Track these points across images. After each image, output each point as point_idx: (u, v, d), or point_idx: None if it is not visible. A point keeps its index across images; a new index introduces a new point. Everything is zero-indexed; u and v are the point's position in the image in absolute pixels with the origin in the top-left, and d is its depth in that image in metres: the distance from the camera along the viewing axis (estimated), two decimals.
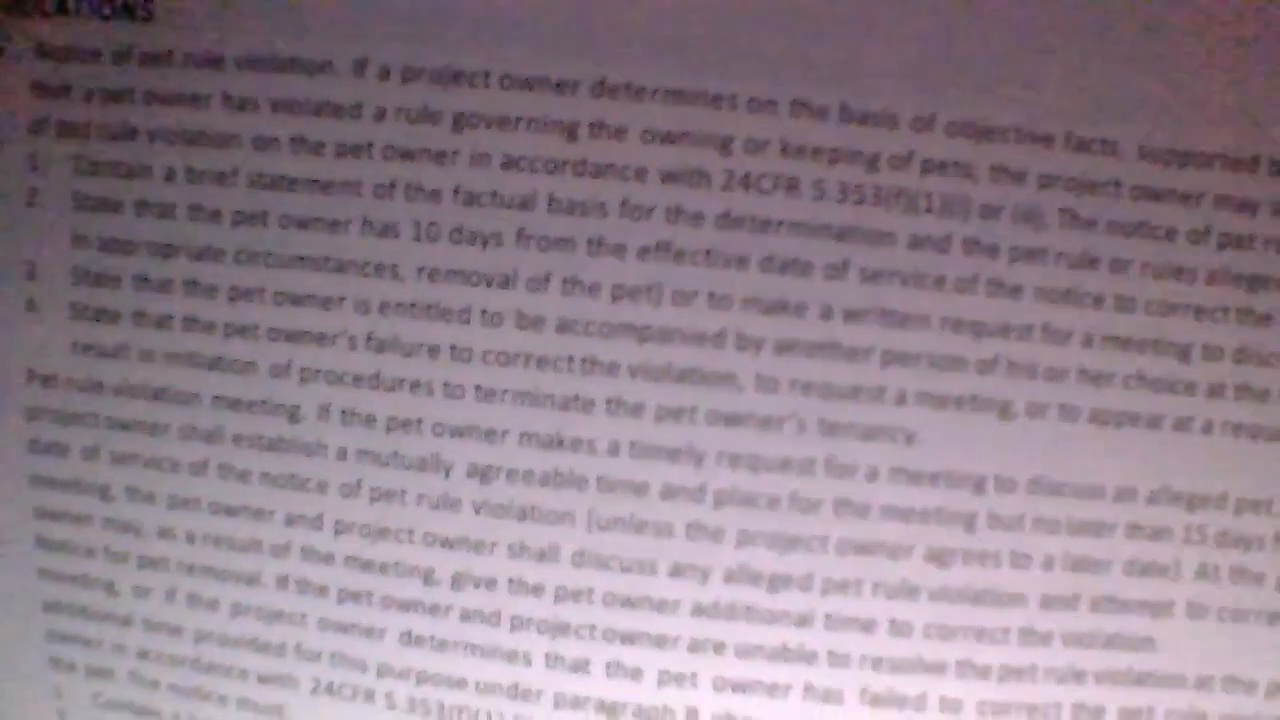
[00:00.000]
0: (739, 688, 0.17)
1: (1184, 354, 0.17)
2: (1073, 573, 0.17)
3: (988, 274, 0.17)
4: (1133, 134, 0.17)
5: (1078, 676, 0.17)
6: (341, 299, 0.17)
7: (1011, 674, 0.17)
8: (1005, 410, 0.17)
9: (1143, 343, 0.17)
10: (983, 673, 0.17)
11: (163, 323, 0.17)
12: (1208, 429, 0.17)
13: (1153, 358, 0.17)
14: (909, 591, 0.17)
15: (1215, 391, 0.17)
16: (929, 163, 0.16)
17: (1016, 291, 0.17)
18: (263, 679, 0.18)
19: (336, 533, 0.17)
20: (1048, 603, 0.17)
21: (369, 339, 0.17)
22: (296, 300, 0.17)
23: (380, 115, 0.16)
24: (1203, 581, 0.17)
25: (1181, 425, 0.17)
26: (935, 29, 0.16)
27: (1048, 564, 0.17)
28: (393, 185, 0.16)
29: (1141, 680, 0.17)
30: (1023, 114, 0.16)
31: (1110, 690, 0.17)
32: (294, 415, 0.17)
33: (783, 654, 0.17)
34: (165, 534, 0.18)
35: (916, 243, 0.16)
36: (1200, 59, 0.17)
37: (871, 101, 0.16)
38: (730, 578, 0.17)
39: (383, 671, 0.18)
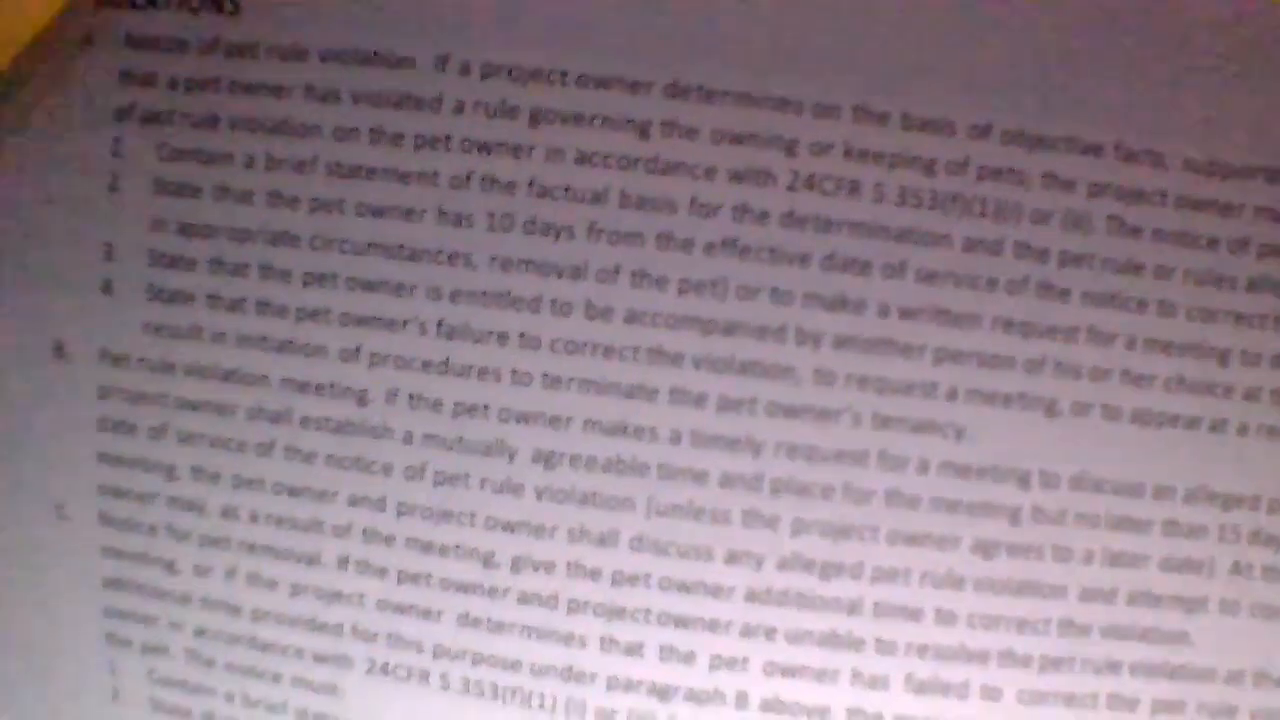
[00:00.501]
0: (788, 672, 0.17)
1: (1223, 358, 0.18)
2: (1111, 567, 0.18)
3: (1037, 277, 0.17)
4: (1178, 146, 0.18)
5: (1114, 668, 0.18)
6: (414, 286, 0.17)
7: (1051, 664, 0.18)
8: (1051, 408, 0.17)
9: (1183, 346, 0.18)
10: (1024, 662, 0.18)
11: (236, 305, 0.18)
12: (1243, 431, 0.18)
13: (1193, 361, 0.18)
14: (955, 581, 0.17)
15: (1251, 395, 0.18)
16: (984, 169, 0.17)
17: (1064, 294, 0.17)
18: (318, 658, 0.18)
19: (399, 515, 0.18)
20: (1087, 595, 0.18)
21: (439, 325, 0.17)
22: (369, 286, 0.17)
23: (459, 109, 0.17)
24: (1236, 578, 0.18)
25: (1218, 427, 0.18)
26: (994, 41, 0.17)
27: (1088, 558, 0.18)
28: (469, 177, 0.17)
29: (1175, 673, 0.18)
30: (1074, 125, 0.17)
31: (1145, 682, 0.18)
32: (362, 399, 0.18)
33: (832, 640, 0.17)
34: (228, 513, 0.18)
35: (970, 245, 0.17)
36: (1244, 76, 0.17)
37: (931, 109, 0.17)
38: (784, 565, 0.17)
39: (438, 653, 0.18)
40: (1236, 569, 0.18)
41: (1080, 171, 0.17)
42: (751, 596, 0.17)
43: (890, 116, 0.17)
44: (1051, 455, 0.17)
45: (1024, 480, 0.17)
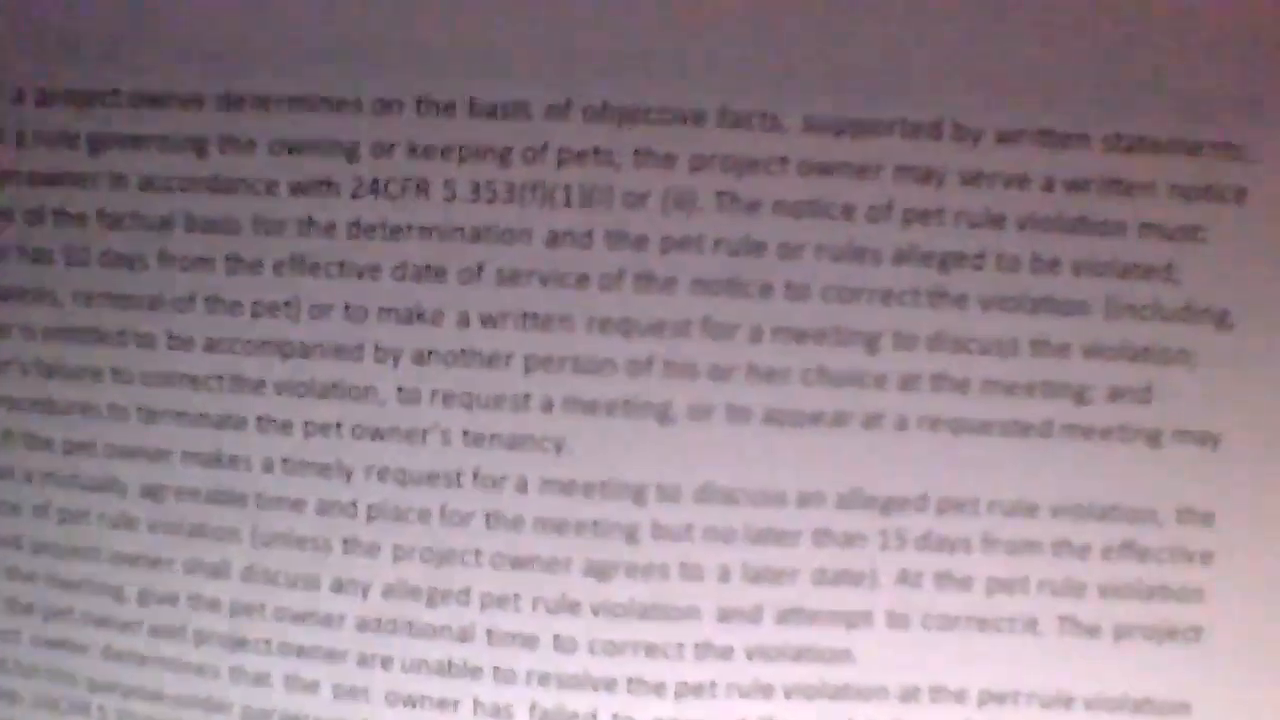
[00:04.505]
0: (410, 702, 0.17)
1: (871, 344, 0.16)
2: (753, 584, 0.16)
3: (636, 268, 0.16)
4: (796, 105, 0.15)
5: (764, 691, 0.16)
6: (9, 327, 0.17)
7: (689, 690, 0.16)
8: (663, 414, 0.16)
9: (821, 333, 0.16)
10: (657, 689, 0.16)
11: None
12: (902, 425, 0.16)
13: (834, 349, 0.16)
14: (570, 606, 0.16)
15: (908, 383, 0.16)
16: (565, 152, 0.15)
17: (669, 284, 0.16)
18: None
19: (34, 552, 0.18)
20: (726, 615, 0.16)
21: (38, 364, 0.17)
22: None
23: (21, 139, 0.16)
24: (904, 588, 0.16)
25: (871, 422, 0.16)
26: (566, 11, 0.15)
27: (724, 575, 0.16)
28: (41, 211, 0.17)
29: (838, 694, 0.16)
30: (668, 93, 0.15)
31: (804, 704, 0.16)
32: None
33: (448, 669, 0.16)
34: None
35: (555, 239, 0.15)
36: (867, 18, 0.15)
37: (500, 92, 0.15)
38: (389, 592, 0.16)
39: (93, 686, 0.18)
40: (904, 578, 0.16)
41: (679, 145, 0.15)
42: (363, 625, 0.17)
43: (456, 106, 0.15)
44: (669, 466, 0.16)
45: (639, 495, 0.16)
